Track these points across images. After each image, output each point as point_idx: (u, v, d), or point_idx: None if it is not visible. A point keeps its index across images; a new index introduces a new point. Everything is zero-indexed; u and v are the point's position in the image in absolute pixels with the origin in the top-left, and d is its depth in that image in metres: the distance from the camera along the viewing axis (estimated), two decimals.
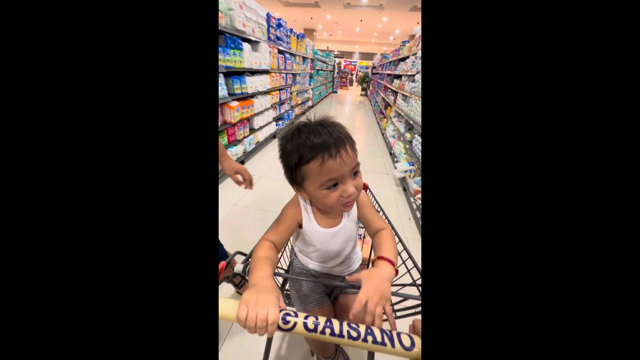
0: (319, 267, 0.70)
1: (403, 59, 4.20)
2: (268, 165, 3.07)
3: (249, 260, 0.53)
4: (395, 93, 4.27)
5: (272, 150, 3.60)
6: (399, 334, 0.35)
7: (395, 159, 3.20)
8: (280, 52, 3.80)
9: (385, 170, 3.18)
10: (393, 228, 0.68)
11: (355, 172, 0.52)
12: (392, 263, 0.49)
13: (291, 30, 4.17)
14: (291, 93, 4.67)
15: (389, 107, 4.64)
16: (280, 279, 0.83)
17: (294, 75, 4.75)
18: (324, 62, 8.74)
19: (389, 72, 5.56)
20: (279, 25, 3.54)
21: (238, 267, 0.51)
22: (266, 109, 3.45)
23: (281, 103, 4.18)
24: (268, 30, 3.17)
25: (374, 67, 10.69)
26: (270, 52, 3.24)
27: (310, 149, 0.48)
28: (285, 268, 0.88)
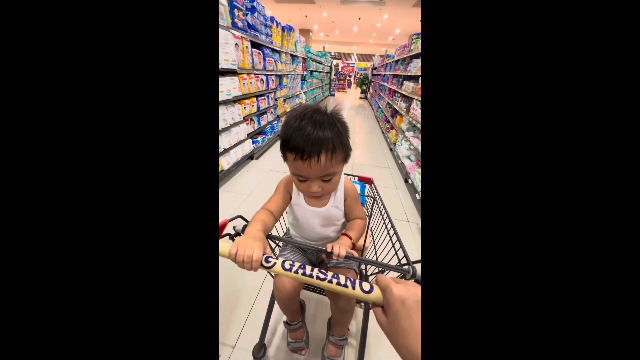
0: (303, 242, 0.80)
1: (417, 56, 3.28)
2: (238, 204, 2.10)
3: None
4: (408, 99, 3.33)
5: (245, 181, 2.62)
6: (360, 282, 0.45)
7: (417, 195, 2.24)
8: (255, 45, 2.85)
9: (403, 212, 2.21)
10: None
11: (326, 180, 0.62)
12: (350, 238, 0.71)
13: (272, 19, 3.22)
14: (276, 100, 3.71)
15: (398, 116, 3.70)
16: (274, 243, 0.96)
17: (279, 77, 3.79)
18: (320, 63, 7.82)
19: (395, 72, 4.65)
20: (252, 10, 2.59)
21: (239, 228, 0.65)
22: (235, 124, 2.50)
23: (261, 113, 3.23)
24: (232, 12, 2.22)
25: (374, 68, 9.87)
26: (237, 44, 2.29)
27: (292, 141, 0.57)
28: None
